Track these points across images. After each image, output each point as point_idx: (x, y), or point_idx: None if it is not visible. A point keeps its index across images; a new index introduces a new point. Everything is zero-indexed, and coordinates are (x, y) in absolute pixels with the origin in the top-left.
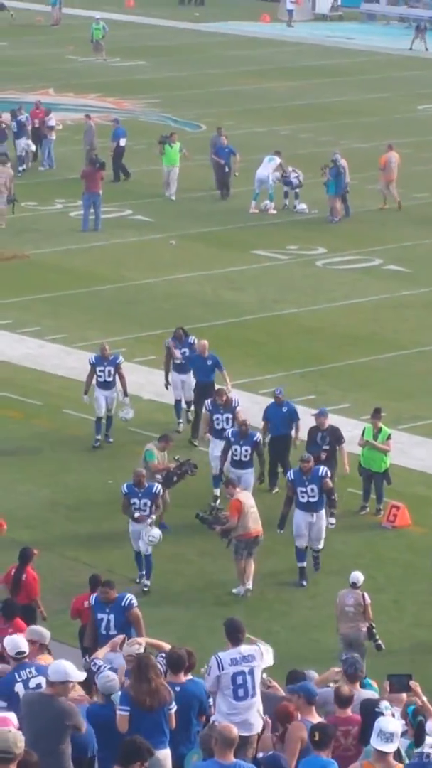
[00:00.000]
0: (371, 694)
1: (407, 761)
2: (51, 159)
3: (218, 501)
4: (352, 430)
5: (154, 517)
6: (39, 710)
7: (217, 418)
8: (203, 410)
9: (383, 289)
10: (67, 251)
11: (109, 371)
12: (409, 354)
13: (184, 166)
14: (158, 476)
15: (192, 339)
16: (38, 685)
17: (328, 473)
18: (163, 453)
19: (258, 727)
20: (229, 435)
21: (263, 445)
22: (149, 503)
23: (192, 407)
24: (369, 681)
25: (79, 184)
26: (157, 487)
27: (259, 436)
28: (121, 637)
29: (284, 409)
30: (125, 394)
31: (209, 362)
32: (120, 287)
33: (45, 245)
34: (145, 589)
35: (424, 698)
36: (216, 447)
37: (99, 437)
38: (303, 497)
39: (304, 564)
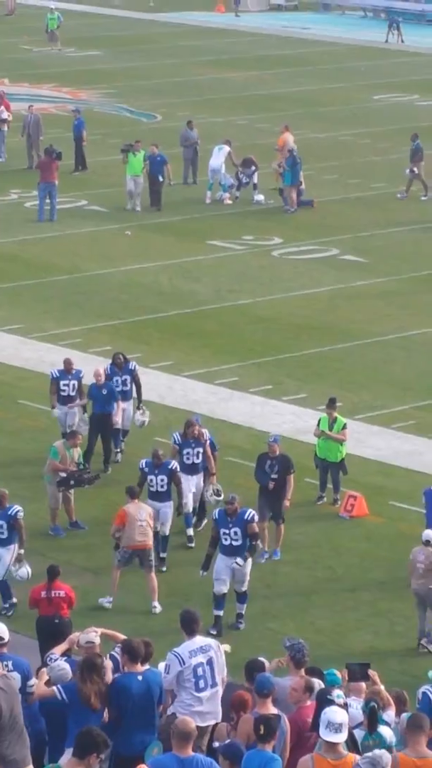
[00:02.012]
0: (318, 682)
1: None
2: (1, 151)
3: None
4: (308, 420)
5: (22, 552)
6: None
7: (188, 453)
8: (173, 443)
9: (339, 279)
10: (23, 241)
11: (73, 385)
12: (365, 344)
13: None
14: (60, 474)
15: (132, 365)
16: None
17: (255, 517)
18: (72, 450)
19: (218, 716)
20: (143, 465)
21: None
22: (166, 479)
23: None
24: (333, 671)
25: (33, 174)
26: (173, 463)
27: (174, 465)
28: (77, 634)
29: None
30: (85, 410)
31: (104, 392)
32: (75, 278)
33: (0, 235)
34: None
35: (382, 687)
36: (189, 483)
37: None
38: (226, 539)
39: (221, 612)
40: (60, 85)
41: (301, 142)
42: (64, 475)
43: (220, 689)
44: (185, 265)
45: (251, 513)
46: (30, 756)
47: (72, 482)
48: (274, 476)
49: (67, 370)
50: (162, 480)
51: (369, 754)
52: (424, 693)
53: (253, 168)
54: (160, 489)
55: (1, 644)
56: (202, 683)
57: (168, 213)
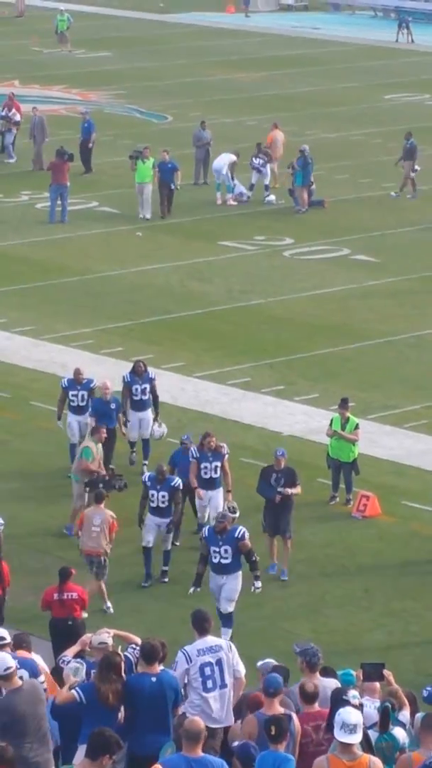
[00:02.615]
0: (334, 683)
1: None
2: (11, 152)
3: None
4: (320, 420)
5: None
6: (24, 703)
7: (205, 467)
8: (190, 458)
9: (351, 279)
10: (34, 243)
11: (83, 395)
12: (377, 344)
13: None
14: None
15: (152, 374)
16: (20, 677)
17: (246, 535)
18: (98, 445)
19: (228, 718)
20: (146, 479)
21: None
22: (167, 496)
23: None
24: (350, 671)
25: (44, 175)
26: (177, 480)
27: (177, 482)
28: (89, 635)
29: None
30: (157, 413)
31: (112, 406)
32: (87, 279)
33: (11, 237)
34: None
35: (397, 687)
36: (204, 497)
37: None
38: (215, 557)
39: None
40: (70, 86)
41: (312, 143)
42: (94, 476)
43: (230, 691)
44: (196, 266)
45: (242, 531)
46: (53, 759)
47: (101, 485)
48: (280, 489)
49: (77, 380)
50: (163, 496)
51: None
52: (429, 691)
53: (266, 160)
54: (161, 504)
55: (3, 644)
56: (210, 683)
57: (179, 214)
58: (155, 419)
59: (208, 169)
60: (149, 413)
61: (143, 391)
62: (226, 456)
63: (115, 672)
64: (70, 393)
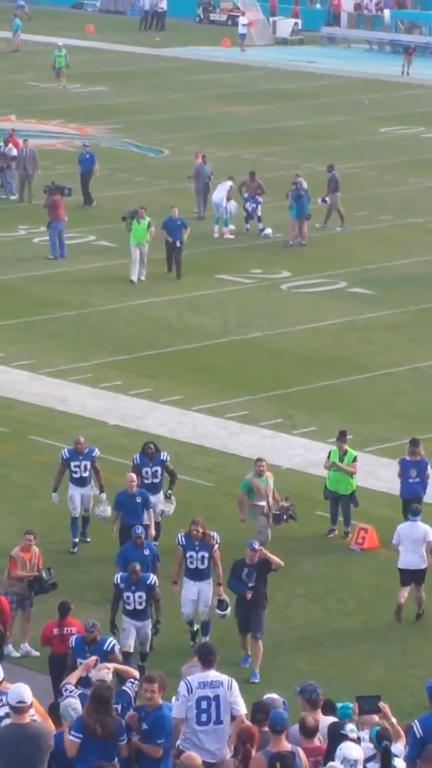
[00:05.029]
0: (331, 719)
1: None
2: (12, 188)
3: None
4: (318, 453)
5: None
6: (17, 742)
7: (191, 556)
8: (177, 545)
9: (348, 311)
10: (32, 277)
11: (85, 466)
12: (374, 376)
13: (150, 192)
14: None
15: (164, 455)
16: (6, 714)
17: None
18: (260, 478)
19: (222, 755)
20: (118, 581)
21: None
22: (144, 596)
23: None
24: (349, 704)
25: (41, 210)
26: (152, 578)
27: (153, 580)
28: (93, 658)
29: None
30: (102, 489)
31: (138, 500)
32: (85, 313)
33: (10, 272)
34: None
35: (394, 720)
36: (191, 590)
37: (77, 540)
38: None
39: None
40: (67, 121)
41: (308, 176)
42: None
43: (225, 728)
44: (194, 300)
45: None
46: None
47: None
48: (251, 584)
49: (78, 450)
50: (140, 597)
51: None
52: (410, 726)
53: (259, 194)
54: (138, 607)
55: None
56: (204, 717)
57: None
58: (167, 495)
59: (207, 202)
60: (160, 496)
61: (154, 474)
62: (216, 546)
63: (102, 705)
64: (72, 464)
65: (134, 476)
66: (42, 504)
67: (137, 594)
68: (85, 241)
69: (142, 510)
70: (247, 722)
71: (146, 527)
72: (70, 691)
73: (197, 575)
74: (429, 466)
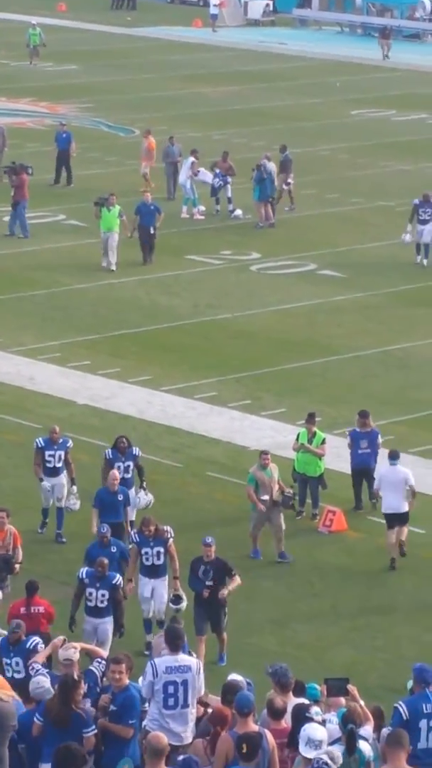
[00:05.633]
0: (302, 701)
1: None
2: None
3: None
4: (287, 435)
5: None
6: None
7: (146, 552)
8: (129, 543)
9: (318, 294)
10: (1, 256)
11: (60, 456)
12: (343, 359)
13: (121, 171)
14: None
15: (136, 450)
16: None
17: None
18: (264, 470)
19: (188, 738)
20: (83, 576)
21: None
22: (107, 594)
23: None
24: (315, 685)
25: (5, 187)
26: (118, 578)
27: (118, 580)
28: (61, 638)
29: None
30: (73, 482)
31: (120, 497)
32: (54, 292)
33: None
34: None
35: (362, 702)
36: (146, 587)
37: (47, 520)
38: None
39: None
40: (38, 99)
41: (277, 158)
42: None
43: (192, 710)
44: (164, 280)
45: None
46: None
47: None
48: (209, 583)
49: (53, 440)
50: (103, 595)
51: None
52: (395, 708)
53: (230, 174)
54: (99, 604)
55: None
56: (171, 701)
57: None
58: (141, 487)
59: (176, 183)
60: (133, 492)
61: (126, 469)
62: (171, 540)
63: (65, 695)
64: (46, 453)
65: (117, 474)
66: (11, 482)
67: (100, 592)
68: (54, 220)
69: (123, 507)
70: (219, 705)
71: (131, 524)
72: (37, 670)
73: (152, 572)
74: (380, 437)
